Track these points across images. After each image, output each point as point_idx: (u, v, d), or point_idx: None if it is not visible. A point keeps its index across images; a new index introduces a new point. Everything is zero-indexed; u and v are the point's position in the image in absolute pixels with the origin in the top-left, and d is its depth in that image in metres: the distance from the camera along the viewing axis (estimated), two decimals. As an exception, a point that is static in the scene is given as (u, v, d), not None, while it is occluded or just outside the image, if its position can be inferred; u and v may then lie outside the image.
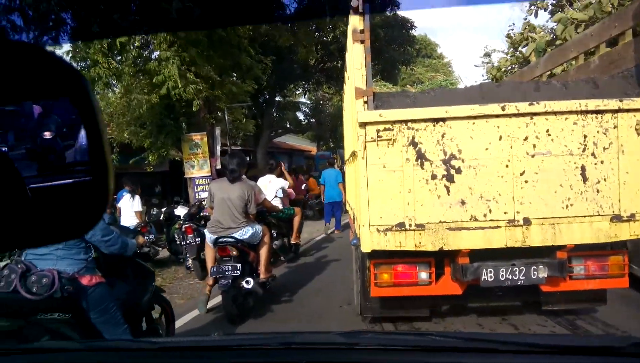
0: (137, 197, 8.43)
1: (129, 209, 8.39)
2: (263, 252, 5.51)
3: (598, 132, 3.70)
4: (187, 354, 1.45)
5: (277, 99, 21.14)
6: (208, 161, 11.51)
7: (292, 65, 18.22)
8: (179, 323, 4.75)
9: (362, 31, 3.74)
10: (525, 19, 12.97)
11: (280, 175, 7.88)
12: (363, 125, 3.70)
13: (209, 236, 5.33)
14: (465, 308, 4.81)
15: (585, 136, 3.70)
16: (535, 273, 3.90)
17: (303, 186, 13.15)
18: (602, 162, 3.71)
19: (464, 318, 4.80)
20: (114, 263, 3.49)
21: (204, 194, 8.14)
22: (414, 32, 21.68)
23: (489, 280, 3.91)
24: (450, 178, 3.73)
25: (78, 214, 0.76)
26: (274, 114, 22.17)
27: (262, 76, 12.49)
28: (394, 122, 3.69)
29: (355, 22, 3.75)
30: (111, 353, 1.47)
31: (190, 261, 7.32)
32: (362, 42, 3.73)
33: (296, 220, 7.74)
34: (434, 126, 3.71)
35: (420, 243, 3.75)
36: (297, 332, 2.35)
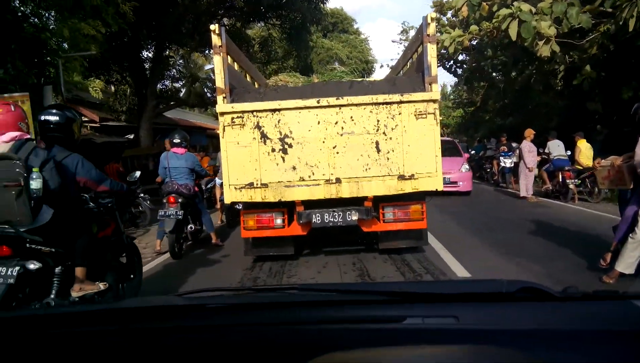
0: None
1: None
2: None
3: (387, 117, 5.28)
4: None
5: (176, 68, 18.60)
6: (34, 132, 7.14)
7: (179, 19, 14.52)
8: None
9: (220, 46, 5.23)
10: None
11: None
12: (221, 114, 5.23)
13: (218, 181, 9.48)
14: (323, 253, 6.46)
15: (378, 121, 5.28)
16: (350, 216, 5.54)
17: None
18: (390, 138, 5.29)
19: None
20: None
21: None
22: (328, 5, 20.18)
23: (317, 222, 5.55)
24: (284, 151, 5.30)
25: None
26: (168, 84, 19.73)
27: (114, 23, 9.33)
28: (244, 112, 5.23)
29: (215, 39, 5.23)
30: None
31: None
32: (221, 54, 5.22)
33: None
34: (272, 114, 5.26)
35: (265, 196, 5.35)
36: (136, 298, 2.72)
